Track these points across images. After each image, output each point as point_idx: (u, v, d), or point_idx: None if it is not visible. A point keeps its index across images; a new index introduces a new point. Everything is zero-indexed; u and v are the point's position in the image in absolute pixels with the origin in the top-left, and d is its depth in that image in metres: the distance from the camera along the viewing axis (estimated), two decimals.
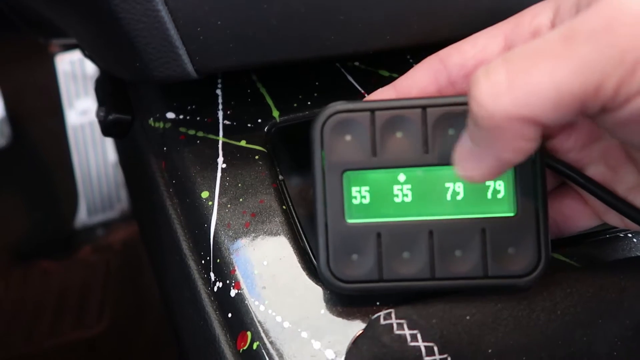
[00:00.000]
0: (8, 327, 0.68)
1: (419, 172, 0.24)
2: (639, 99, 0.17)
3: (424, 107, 0.23)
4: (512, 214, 0.24)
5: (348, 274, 0.24)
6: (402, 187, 0.24)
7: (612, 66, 0.17)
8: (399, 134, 0.24)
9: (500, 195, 0.24)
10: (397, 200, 0.24)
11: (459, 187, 0.24)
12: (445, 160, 0.23)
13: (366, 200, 0.24)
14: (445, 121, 0.23)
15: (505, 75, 0.18)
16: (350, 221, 0.24)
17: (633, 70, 0.17)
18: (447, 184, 0.24)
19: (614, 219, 0.24)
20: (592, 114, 0.18)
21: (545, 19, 0.22)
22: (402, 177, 0.24)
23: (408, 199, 0.24)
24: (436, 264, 0.23)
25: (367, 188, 0.24)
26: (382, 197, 0.24)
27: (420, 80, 0.24)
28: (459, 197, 0.24)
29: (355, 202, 0.24)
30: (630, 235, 0.27)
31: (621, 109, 0.18)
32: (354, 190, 0.24)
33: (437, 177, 0.24)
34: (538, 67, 0.17)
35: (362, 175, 0.24)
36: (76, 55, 0.72)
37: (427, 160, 0.24)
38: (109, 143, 0.77)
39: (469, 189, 0.24)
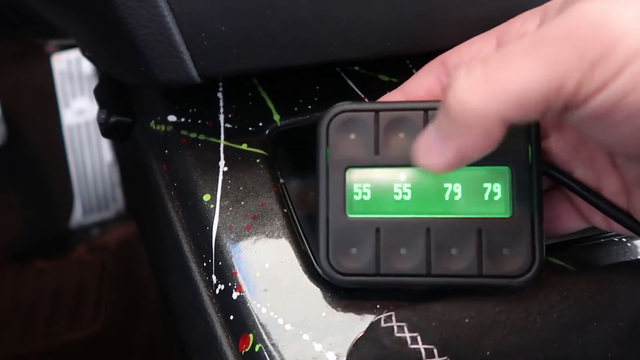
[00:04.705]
0: (3, 327, 0.68)
1: (418, 171, 0.24)
2: (598, 98, 0.18)
3: (425, 110, 0.24)
4: (508, 216, 0.24)
5: (346, 267, 0.24)
6: (402, 186, 0.24)
7: (572, 67, 0.18)
8: (401, 134, 0.24)
9: (497, 197, 0.24)
10: (397, 197, 0.24)
11: (457, 187, 0.24)
12: None
13: (367, 197, 0.25)
14: None
15: (482, 73, 0.19)
16: (350, 216, 0.24)
17: (591, 70, 0.18)
18: (445, 184, 0.24)
19: (600, 221, 0.25)
20: (557, 112, 0.19)
21: (533, 25, 0.23)
22: (402, 175, 0.24)
23: (407, 197, 0.24)
24: (432, 261, 0.24)
25: (368, 185, 0.25)
26: (383, 194, 0.24)
27: (425, 82, 0.25)
28: (457, 198, 0.24)
29: (357, 197, 0.24)
30: (624, 239, 0.28)
31: (582, 107, 0.19)
32: (356, 186, 0.25)
33: (436, 177, 0.24)
34: (508, 68, 0.19)
35: (364, 172, 0.25)
36: (72, 54, 0.72)
37: None
38: (105, 143, 0.76)
39: (467, 190, 0.24)
